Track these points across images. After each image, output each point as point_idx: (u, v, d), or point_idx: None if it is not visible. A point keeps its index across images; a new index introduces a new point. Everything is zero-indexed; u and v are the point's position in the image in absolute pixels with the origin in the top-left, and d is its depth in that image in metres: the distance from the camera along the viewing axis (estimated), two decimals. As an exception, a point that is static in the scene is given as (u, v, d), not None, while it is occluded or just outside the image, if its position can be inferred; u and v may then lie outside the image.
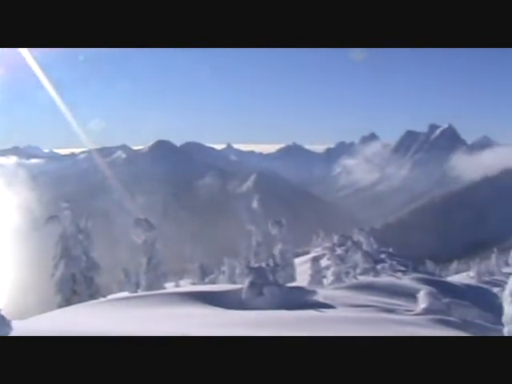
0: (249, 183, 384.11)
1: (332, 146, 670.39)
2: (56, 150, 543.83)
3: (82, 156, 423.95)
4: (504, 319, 6.64)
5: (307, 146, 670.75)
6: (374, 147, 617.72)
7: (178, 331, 10.03)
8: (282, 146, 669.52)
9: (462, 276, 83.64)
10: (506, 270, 75.10)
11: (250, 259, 45.62)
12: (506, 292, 6.65)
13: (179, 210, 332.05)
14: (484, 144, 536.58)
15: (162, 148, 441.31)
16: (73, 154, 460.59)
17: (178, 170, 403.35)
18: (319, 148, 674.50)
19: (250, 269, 23.68)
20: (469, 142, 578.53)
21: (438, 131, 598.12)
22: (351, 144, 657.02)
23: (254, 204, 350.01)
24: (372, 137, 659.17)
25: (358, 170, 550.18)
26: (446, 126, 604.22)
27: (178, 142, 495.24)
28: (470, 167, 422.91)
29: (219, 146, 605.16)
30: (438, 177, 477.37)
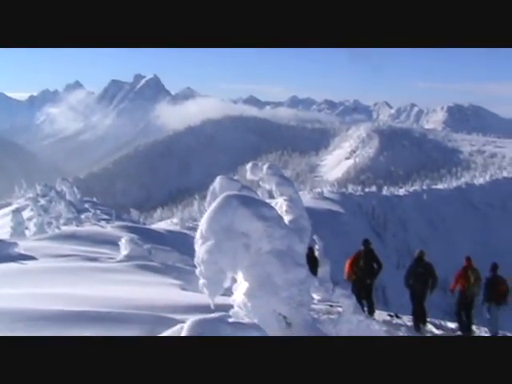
0: None
1: (35, 93, 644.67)
2: None
3: None
4: (195, 260, 6.88)
5: (9, 94, 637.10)
6: (78, 95, 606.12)
7: None
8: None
9: (167, 223, 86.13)
10: (206, 215, 78.89)
11: None
12: (197, 235, 6.91)
13: None
14: (187, 94, 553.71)
15: None
16: None
17: None
18: (22, 95, 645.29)
19: None
20: (173, 92, 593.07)
21: (143, 81, 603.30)
22: (55, 92, 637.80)
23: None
24: (76, 85, 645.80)
25: (62, 119, 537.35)
26: (151, 76, 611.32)
27: None
28: (173, 117, 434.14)
29: None
30: (142, 126, 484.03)
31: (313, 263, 14.08)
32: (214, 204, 6.92)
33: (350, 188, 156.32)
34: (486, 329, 16.51)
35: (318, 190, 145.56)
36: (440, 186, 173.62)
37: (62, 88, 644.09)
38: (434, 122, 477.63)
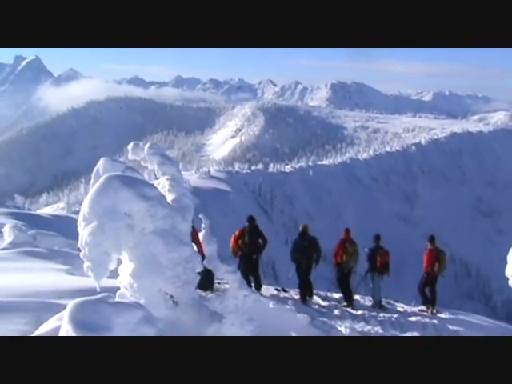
0: None
1: None
2: None
3: None
4: (79, 243, 6.83)
5: None
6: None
7: None
8: None
9: (53, 208, 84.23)
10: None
11: None
12: (80, 218, 6.86)
13: None
14: (71, 76, 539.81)
15: None
16: None
17: None
18: None
19: None
20: (55, 73, 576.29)
21: (24, 63, 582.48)
22: None
23: None
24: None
25: None
26: (32, 57, 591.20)
27: None
28: (56, 99, 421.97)
29: None
30: (24, 109, 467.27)
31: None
32: (96, 186, 6.87)
33: (237, 166, 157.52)
34: (370, 297, 17.21)
35: (205, 169, 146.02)
36: (325, 162, 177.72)
37: None
38: (318, 99, 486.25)
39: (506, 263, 9.83)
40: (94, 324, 4.77)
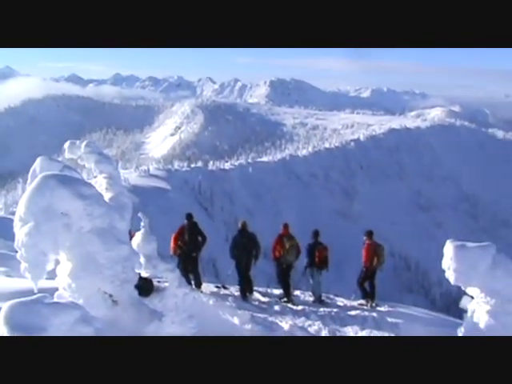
0: None
1: None
2: None
3: None
4: (15, 244, 6.74)
5: None
6: None
7: None
8: None
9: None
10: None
11: None
12: (16, 218, 6.76)
13: None
14: (7, 74, 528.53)
15: None
16: None
17: None
18: None
19: None
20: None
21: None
22: None
23: None
24: None
25: None
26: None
27: None
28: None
29: None
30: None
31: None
32: (32, 185, 6.78)
33: (176, 164, 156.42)
34: (311, 293, 17.40)
35: (144, 167, 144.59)
36: (265, 159, 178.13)
37: None
38: (257, 96, 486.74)
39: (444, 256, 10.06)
40: (30, 325, 4.74)
